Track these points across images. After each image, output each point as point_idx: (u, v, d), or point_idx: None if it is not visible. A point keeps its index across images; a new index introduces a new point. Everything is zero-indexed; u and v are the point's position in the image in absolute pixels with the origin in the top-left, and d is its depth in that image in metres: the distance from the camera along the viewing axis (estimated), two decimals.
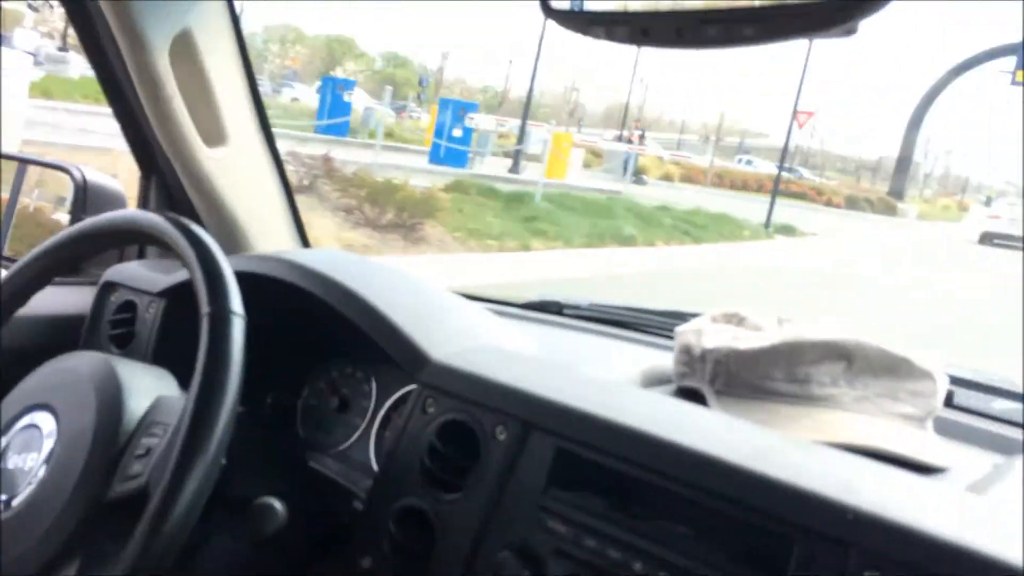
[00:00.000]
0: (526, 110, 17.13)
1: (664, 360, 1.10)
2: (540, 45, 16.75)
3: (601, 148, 25.01)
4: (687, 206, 15.14)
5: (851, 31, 0.55)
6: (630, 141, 23.87)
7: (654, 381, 1.08)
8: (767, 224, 16.25)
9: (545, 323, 1.38)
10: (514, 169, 16.70)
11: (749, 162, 56.32)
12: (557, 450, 0.82)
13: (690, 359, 1.02)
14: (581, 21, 0.63)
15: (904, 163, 32.11)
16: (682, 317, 1.21)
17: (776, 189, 16.71)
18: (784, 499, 0.70)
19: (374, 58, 61.60)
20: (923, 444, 0.91)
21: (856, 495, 0.68)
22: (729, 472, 0.73)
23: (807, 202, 28.46)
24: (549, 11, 0.64)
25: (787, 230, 16.47)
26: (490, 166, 16.40)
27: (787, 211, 21.87)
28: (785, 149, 16.88)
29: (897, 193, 31.74)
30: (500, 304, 1.41)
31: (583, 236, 10.57)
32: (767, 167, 54.65)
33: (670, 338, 1.13)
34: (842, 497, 0.68)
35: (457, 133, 15.42)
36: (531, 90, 17.40)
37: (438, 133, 15.44)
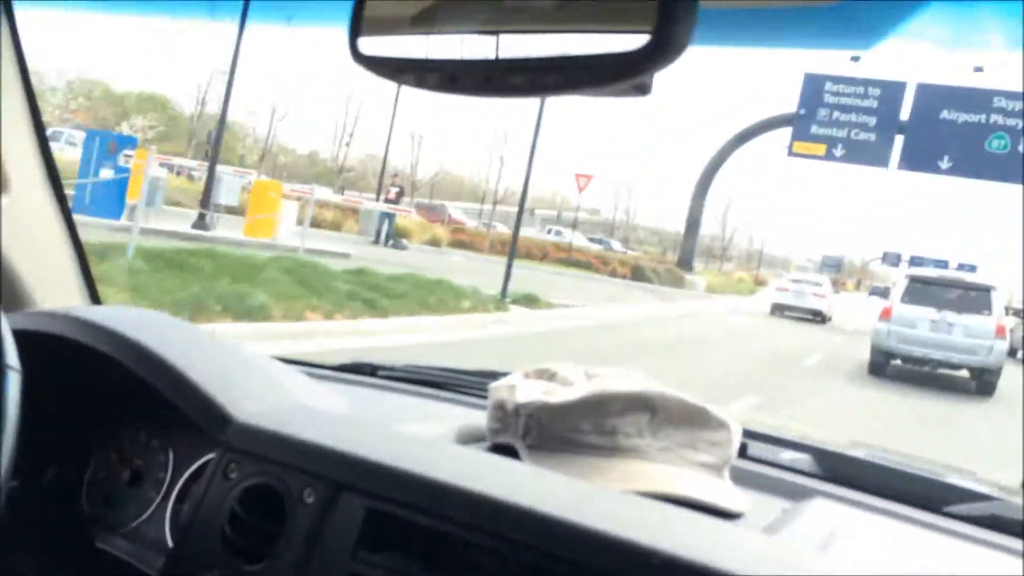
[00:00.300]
0: (215, 152, 14.06)
1: (479, 418, 1.11)
2: (233, 69, 13.82)
3: (359, 207, 22.29)
4: (396, 271, 12.52)
5: (644, 90, 0.61)
6: (388, 200, 21.20)
7: (468, 439, 1.08)
8: (503, 293, 13.86)
9: (359, 385, 1.35)
10: (200, 224, 13.60)
11: (558, 232, 55.88)
12: (367, 511, 0.81)
13: (504, 415, 1.04)
14: (391, 67, 0.65)
15: (691, 233, 31.29)
16: (496, 376, 1.19)
17: (513, 252, 14.35)
18: (596, 547, 0.73)
19: (190, 117, 57.76)
20: (721, 491, 0.97)
21: (663, 540, 0.73)
22: (542, 523, 0.75)
23: (590, 272, 26.84)
24: (359, 57, 0.65)
25: (530, 300, 14.19)
26: (167, 218, 13.28)
27: (559, 280, 20.34)
28: (521, 207, 14.54)
29: (686, 264, 30.79)
30: (313, 367, 1.37)
31: (173, 305, 7.59)
32: (579, 239, 54.40)
33: (485, 397, 1.13)
34: (649, 543, 0.72)
35: (107, 175, 12.14)
36: (222, 123, 14.40)
37: (82, 175, 12.10)
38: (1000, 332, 12.28)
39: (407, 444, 0.91)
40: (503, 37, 0.61)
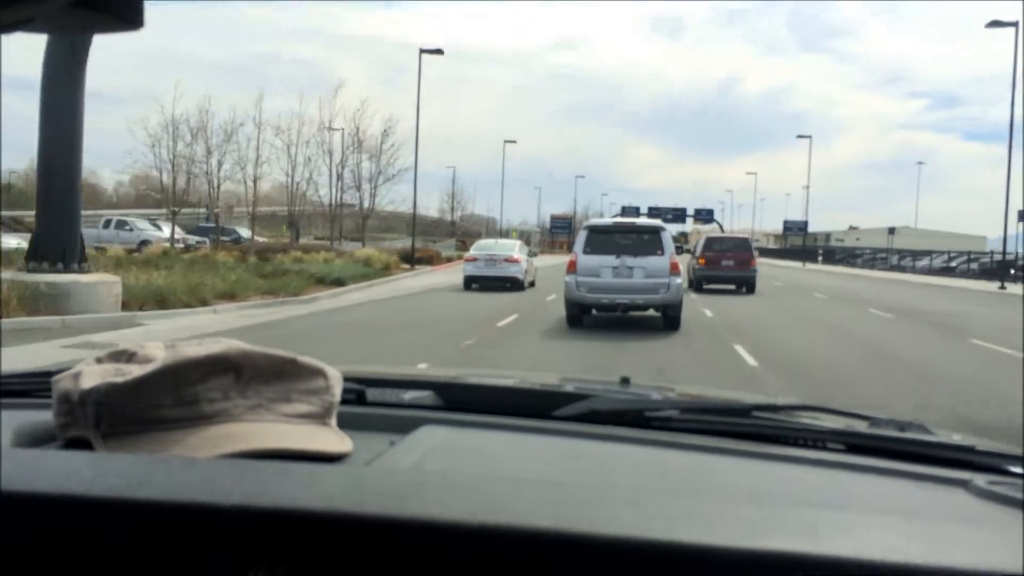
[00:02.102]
0: None
1: (46, 417, 0.99)
2: None
3: None
4: None
5: (135, 22, 0.56)
6: None
7: (32, 441, 0.98)
8: None
9: None
10: None
11: (123, 226, 36.46)
12: None
13: (71, 407, 0.93)
14: None
15: (58, 192, 12.72)
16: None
17: None
18: (159, 519, 0.69)
19: None
20: (319, 437, 0.95)
21: (234, 494, 0.69)
22: (98, 508, 0.70)
23: None
24: None
25: None
26: None
27: None
28: None
29: (68, 256, 12.26)
30: None
31: None
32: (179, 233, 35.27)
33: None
34: (219, 500, 0.69)
35: None
36: None
37: None
38: (674, 269, 12.91)
39: None
40: None
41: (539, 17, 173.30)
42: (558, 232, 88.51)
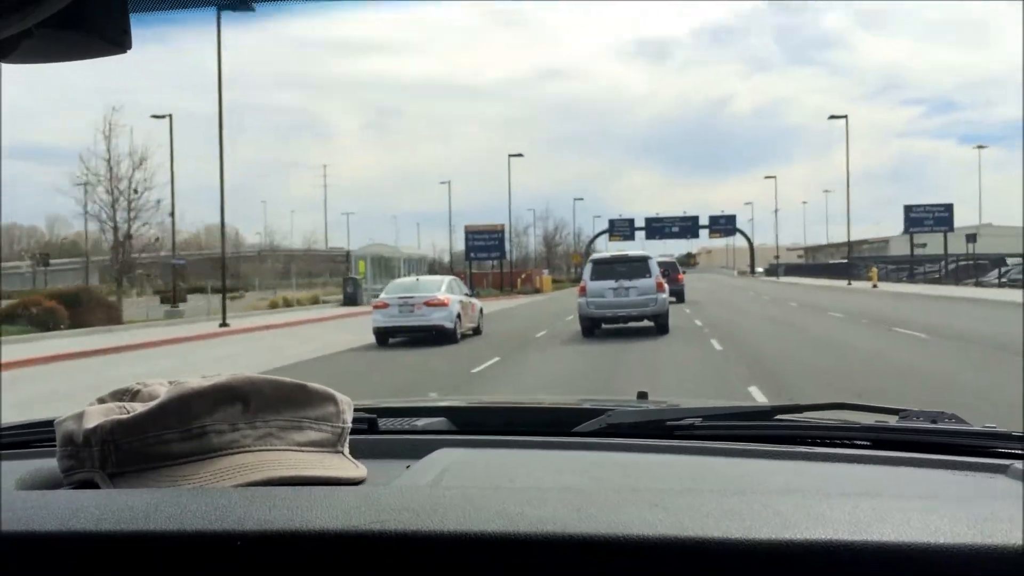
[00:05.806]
0: None
1: (51, 464, 1.00)
2: None
3: None
4: None
5: (122, 44, 0.57)
6: None
7: (37, 486, 0.98)
8: None
9: None
10: None
11: None
12: None
13: (76, 448, 0.93)
14: None
15: None
16: None
17: None
18: (185, 547, 0.69)
19: None
20: (335, 464, 0.96)
21: (248, 522, 0.70)
22: (101, 543, 0.70)
23: None
24: None
25: None
26: None
27: None
28: None
29: None
30: None
31: None
32: None
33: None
34: (238, 527, 0.70)
35: None
36: None
37: None
38: (660, 287, 17.99)
39: None
40: None
41: (524, 48, 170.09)
42: (481, 254, 54.40)
